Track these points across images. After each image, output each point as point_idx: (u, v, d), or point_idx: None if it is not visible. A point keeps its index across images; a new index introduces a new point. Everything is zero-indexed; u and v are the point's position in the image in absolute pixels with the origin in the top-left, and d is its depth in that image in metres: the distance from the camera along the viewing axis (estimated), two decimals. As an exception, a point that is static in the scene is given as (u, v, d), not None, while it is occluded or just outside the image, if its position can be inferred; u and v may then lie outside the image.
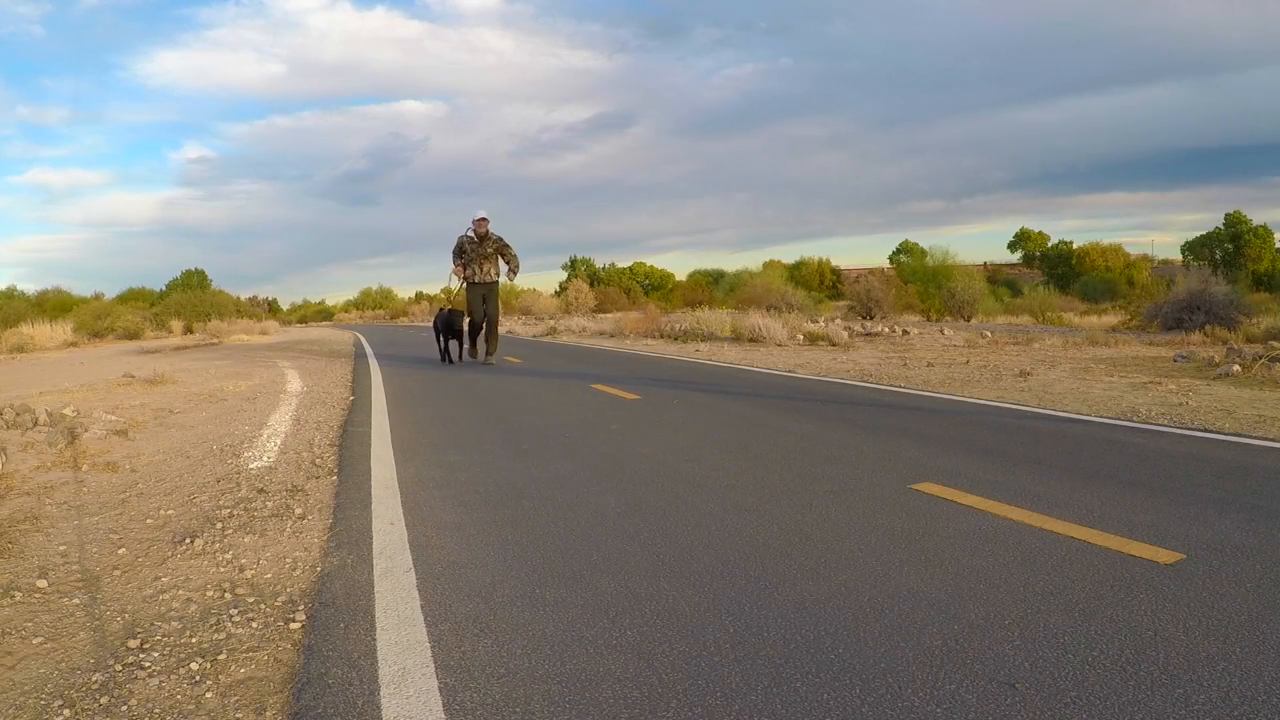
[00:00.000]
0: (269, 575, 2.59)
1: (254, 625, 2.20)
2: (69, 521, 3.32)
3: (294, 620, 2.21)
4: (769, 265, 36.87)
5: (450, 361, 10.60)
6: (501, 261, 10.19)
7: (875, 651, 1.85)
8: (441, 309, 10.94)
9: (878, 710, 1.61)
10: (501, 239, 10.03)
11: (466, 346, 10.65)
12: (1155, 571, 2.26)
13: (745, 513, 3.00)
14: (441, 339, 10.88)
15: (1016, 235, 58.55)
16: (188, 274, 50.52)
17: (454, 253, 10.15)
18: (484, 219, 9.97)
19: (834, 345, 12.42)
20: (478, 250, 9.90)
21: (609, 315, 29.02)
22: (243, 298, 42.90)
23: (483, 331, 10.36)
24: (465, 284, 10.06)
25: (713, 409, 5.79)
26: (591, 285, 44.47)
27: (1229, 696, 1.60)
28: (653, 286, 50.74)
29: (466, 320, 10.42)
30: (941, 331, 15.00)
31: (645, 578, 2.38)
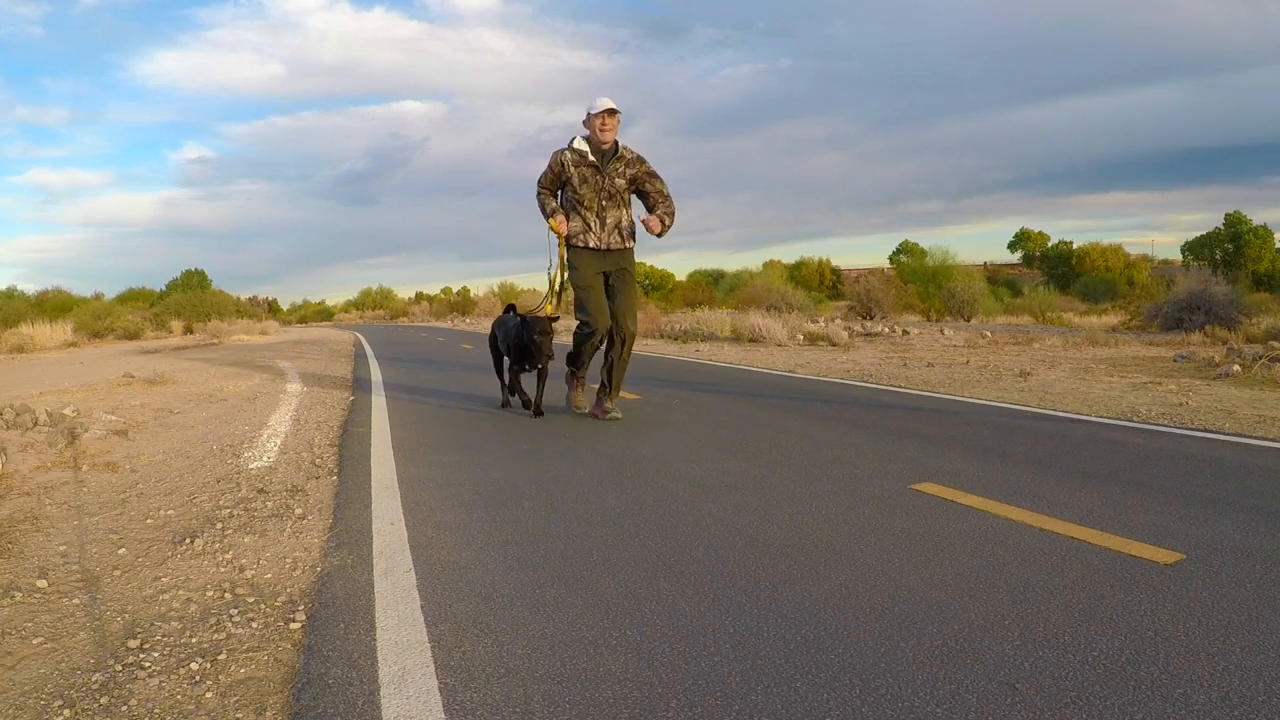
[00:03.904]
0: (269, 575, 2.59)
1: (254, 625, 2.20)
2: (69, 521, 3.32)
3: (294, 620, 2.21)
4: (769, 265, 36.92)
5: (536, 412, 5.48)
6: (640, 205, 5.28)
7: (875, 651, 1.85)
8: (510, 310, 5.89)
9: (878, 710, 1.61)
10: (642, 159, 5.14)
11: (569, 388, 5.59)
12: (1155, 571, 2.26)
13: (745, 512, 3.00)
14: (509, 371, 5.75)
15: (1016, 235, 58.54)
16: (188, 274, 50.61)
17: (542, 186, 5.20)
18: (610, 111, 4.96)
19: (834, 345, 12.42)
20: (595, 180, 5.05)
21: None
22: (242, 298, 43.01)
23: (604, 354, 5.31)
24: (568, 250, 5.20)
25: (713, 409, 5.79)
26: (591, 285, 44.37)
27: (1229, 696, 1.60)
28: (653, 286, 50.77)
29: (579, 331, 5.22)
30: (941, 331, 15.00)
31: (645, 578, 2.38)
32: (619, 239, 5.16)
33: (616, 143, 5.08)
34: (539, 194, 5.25)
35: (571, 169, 5.06)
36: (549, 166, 5.15)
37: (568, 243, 5.19)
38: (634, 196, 5.26)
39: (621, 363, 5.28)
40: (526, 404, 5.71)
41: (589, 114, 5.01)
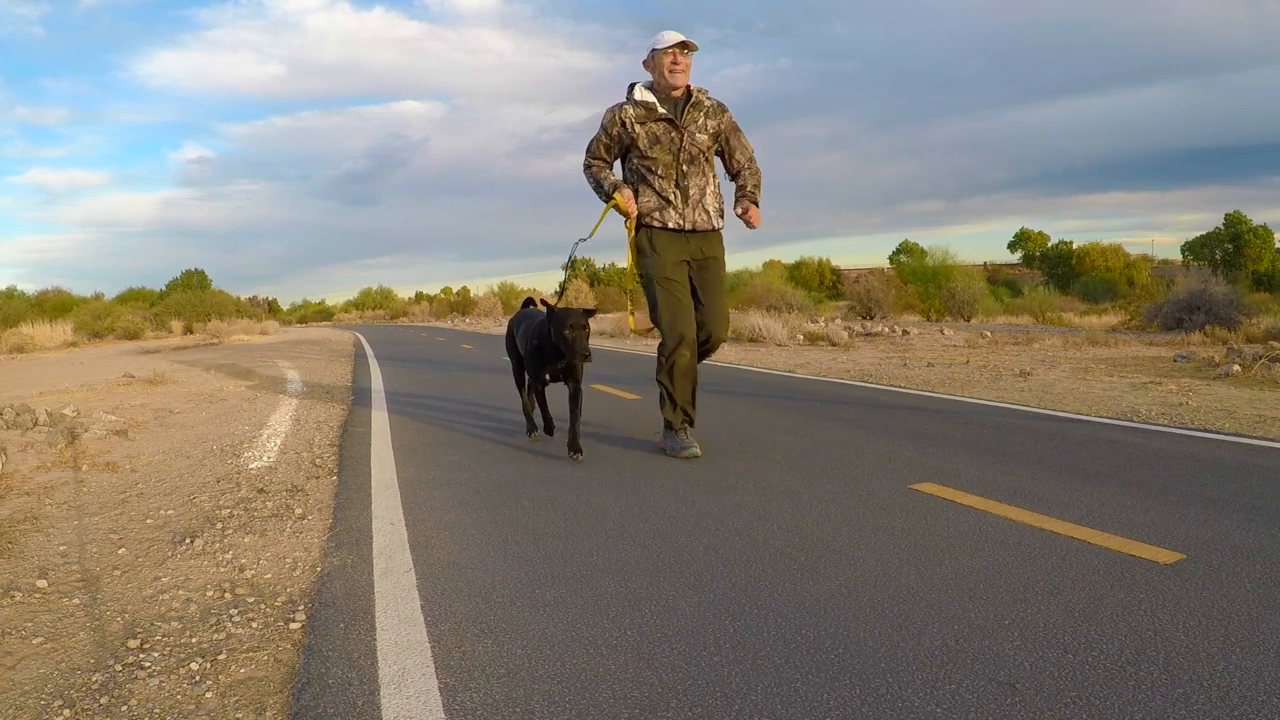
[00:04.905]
0: (269, 575, 2.59)
1: (254, 625, 2.20)
2: (69, 521, 3.32)
3: (294, 620, 2.21)
4: (769, 265, 36.92)
5: (548, 432, 4.49)
6: (720, 171, 4.07)
7: (875, 651, 1.85)
8: (529, 304, 4.63)
9: (878, 710, 1.61)
10: (723, 106, 3.97)
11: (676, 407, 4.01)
12: (1155, 571, 2.26)
13: (745, 512, 3.00)
14: (528, 386, 4.53)
15: (1016, 235, 58.67)
16: (188, 274, 50.78)
17: (594, 156, 3.99)
18: (683, 45, 3.76)
19: (834, 345, 12.42)
20: (671, 139, 3.85)
21: (609, 315, 29.00)
22: (242, 298, 43.14)
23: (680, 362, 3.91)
24: (636, 230, 3.94)
25: (712, 409, 5.79)
26: (591, 285, 44.51)
27: (1229, 696, 1.60)
28: (653, 286, 50.65)
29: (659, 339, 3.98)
30: (941, 331, 15.00)
31: (645, 578, 2.38)
32: (705, 216, 3.90)
33: (689, 88, 3.86)
34: (588, 166, 3.99)
35: (636, 127, 3.81)
36: (602, 129, 3.91)
37: (642, 224, 3.91)
38: (722, 156, 4.05)
39: (692, 375, 3.97)
40: (548, 428, 4.47)
41: (653, 51, 3.79)
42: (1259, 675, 1.67)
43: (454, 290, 62.19)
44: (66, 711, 1.78)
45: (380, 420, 5.75)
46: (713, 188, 3.98)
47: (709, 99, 3.93)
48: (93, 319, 28.17)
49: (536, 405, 4.54)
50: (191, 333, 30.36)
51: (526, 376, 4.47)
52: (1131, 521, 2.71)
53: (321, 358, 13.70)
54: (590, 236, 4.12)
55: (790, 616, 2.06)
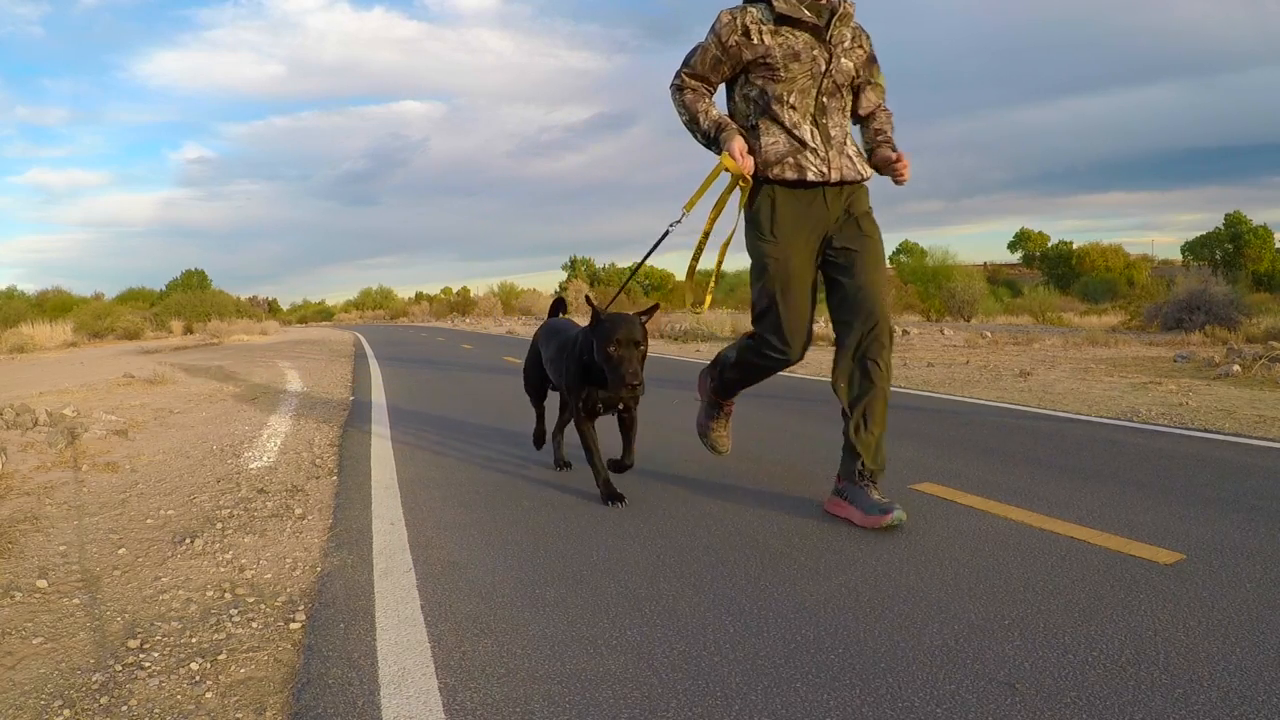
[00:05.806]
0: (269, 575, 2.59)
1: (254, 625, 2.20)
2: (69, 521, 3.32)
3: (294, 620, 2.21)
4: (769, 265, 36.77)
5: (608, 494, 3.16)
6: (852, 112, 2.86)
7: (875, 651, 1.85)
8: (559, 309, 3.89)
9: (878, 710, 1.61)
10: (864, 32, 2.79)
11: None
12: (1155, 571, 2.26)
13: (745, 512, 3.00)
14: (571, 416, 3.42)
15: (1016, 235, 58.73)
16: (187, 274, 50.86)
17: (694, 75, 2.77)
18: None
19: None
20: (814, 56, 2.63)
21: (609, 315, 28.94)
22: (242, 298, 43.16)
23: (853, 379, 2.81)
24: (752, 196, 2.73)
25: (713, 409, 5.78)
26: (591, 285, 44.52)
27: (1229, 696, 1.59)
28: (653, 287, 50.81)
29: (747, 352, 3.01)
30: (941, 331, 15.00)
31: (645, 578, 2.38)
32: (850, 164, 2.77)
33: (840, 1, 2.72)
34: (681, 87, 2.84)
35: (767, 39, 2.66)
36: (713, 35, 2.72)
37: (763, 177, 2.74)
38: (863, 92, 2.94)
39: (881, 395, 2.77)
40: (601, 477, 3.25)
41: None
42: (1259, 675, 1.67)
43: (454, 290, 62.33)
44: (66, 711, 1.78)
45: (380, 420, 5.75)
46: (852, 131, 2.91)
47: (853, 12, 2.80)
48: (93, 319, 28.19)
49: (573, 449, 3.38)
50: (191, 333, 30.37)
51: (566, 409, 3.31)
52: (1131, 521, 2.71)
53: (321, 358, 13.71)
54: (686, 214, 2.85)
55: (790, 616, 2.06)
